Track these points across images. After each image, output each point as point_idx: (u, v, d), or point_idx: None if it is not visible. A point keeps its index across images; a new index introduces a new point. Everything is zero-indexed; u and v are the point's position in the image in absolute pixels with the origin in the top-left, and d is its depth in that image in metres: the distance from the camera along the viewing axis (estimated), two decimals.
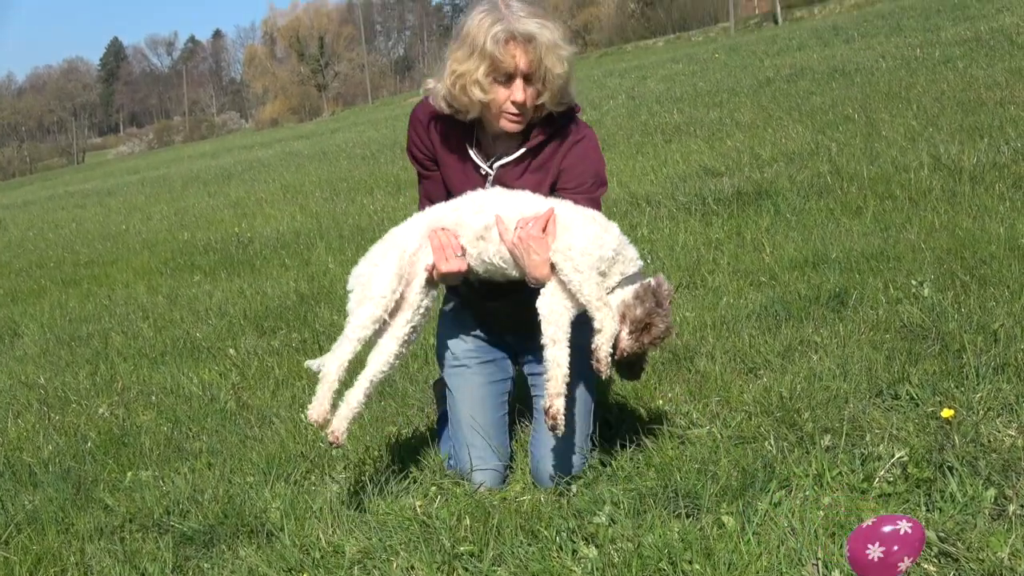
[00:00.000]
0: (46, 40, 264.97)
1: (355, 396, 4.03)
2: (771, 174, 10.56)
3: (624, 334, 3.82)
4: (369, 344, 4.06)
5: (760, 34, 47.13)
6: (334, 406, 4.00)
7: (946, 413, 4.09)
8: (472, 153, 4.20)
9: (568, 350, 3.79)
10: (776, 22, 61.45)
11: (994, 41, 17.89)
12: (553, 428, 3.77)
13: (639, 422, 4.77)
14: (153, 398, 6.73)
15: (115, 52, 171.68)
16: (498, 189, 4.08)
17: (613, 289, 3.87)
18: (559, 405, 3.74)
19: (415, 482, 4.56)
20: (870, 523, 3.05)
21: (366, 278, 4.01)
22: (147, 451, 5.61)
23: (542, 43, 3.90)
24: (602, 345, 3.76)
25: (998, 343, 4.89)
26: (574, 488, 4.21)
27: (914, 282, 6.09)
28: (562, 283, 3.81)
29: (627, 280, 3.88)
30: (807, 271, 6.95)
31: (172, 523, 4.48)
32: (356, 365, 4.04)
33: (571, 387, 4.30)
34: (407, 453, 4.87)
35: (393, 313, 4.03)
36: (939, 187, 8.51)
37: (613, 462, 4.35)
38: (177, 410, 6.36)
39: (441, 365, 4.60)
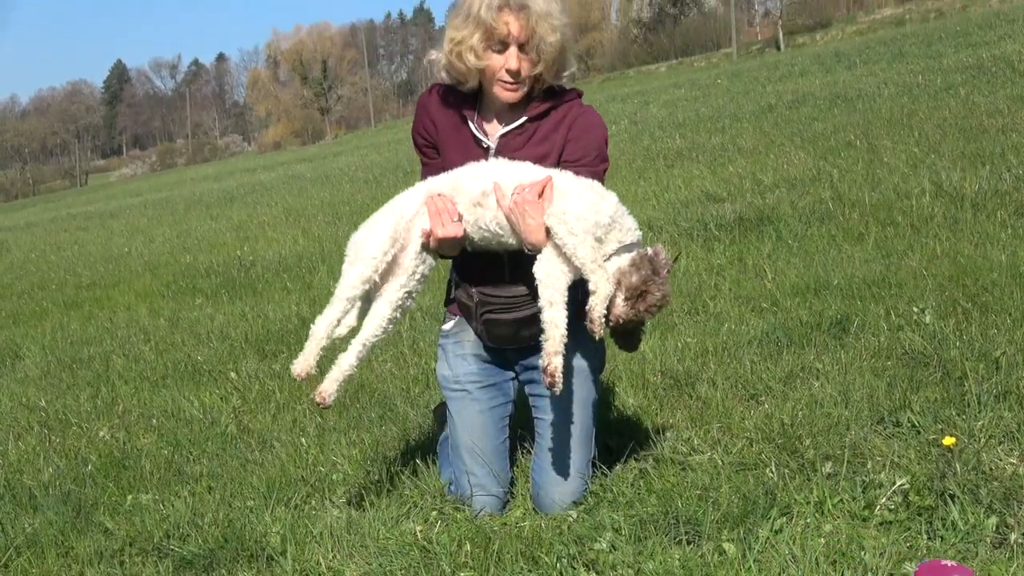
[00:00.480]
0: (50, 62, 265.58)
1: (347, 359, 4.06)
2: (773, 200, 10.57)
3: (619, 300, 3.79)
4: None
5: (762, 60, 47.28)
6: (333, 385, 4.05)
7: (948, 441, 4.08)
8: (472, 127, 4.22)
9: (566, 312, 3.76)
10: (778, 48, 61.76)
11: (996, 68, 17.92)
12: (551, 386, 3.74)
13: (640, 448, 4.77)
14: (154, 421, 6.72)
15: (119, 74, 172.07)
16: (499, 160, 4.09)
17: (610, 257, 3.83)
18: (556, 363, 3.71)
19: (415, 507, 4.56)
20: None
21: (360, 241, 4.04)
22: (147, 474, 5.60)
23: (535, 11, 3.96)
24: (596, 306, 3.73)
25: (1000, 371, 4.89)
26: (575, 514, 4.21)
27: (916, 309, 6.08)
28: (558, 248, 3.80)
29: (624, 249, 3.85)
30: (809, 297, 6.95)
31: (172, 547, 4.47)
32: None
33: (571, 412, 4.32)
34: (408, 478, 4.86)
35: (388, 278, 4.06)
36: (941, 214, 8.51)
37: (614, 488, 4.34)
38: (178, 433, 6.35)
39: (442, 388, 4.60)
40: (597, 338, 3.83)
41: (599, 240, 3.81)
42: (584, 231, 3.75)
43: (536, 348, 4.03)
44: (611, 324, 3.86)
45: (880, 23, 62.47)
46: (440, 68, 4.21)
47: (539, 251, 3.84)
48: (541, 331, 3.79)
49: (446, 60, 4.14)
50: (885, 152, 11.99)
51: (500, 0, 3.95)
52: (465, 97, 4.25)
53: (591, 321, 3.74)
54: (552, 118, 4.19)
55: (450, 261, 4.37)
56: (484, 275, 4.23)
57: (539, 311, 3.81)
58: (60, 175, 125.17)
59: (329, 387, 4.01)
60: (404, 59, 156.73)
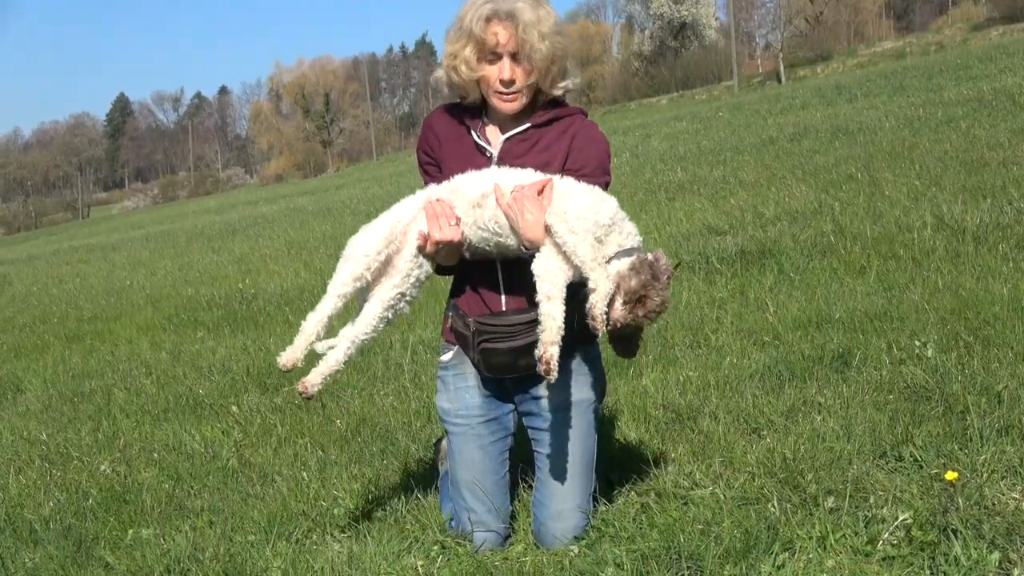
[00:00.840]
0: (53, 95, 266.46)
1: (335, 355, 4.08)
2: (774, 233, 10.58)
3: (618, 304, 3.76)
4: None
5: (763, 93, 47.37)
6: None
7: (950, 475, 4.08)
8: (475, 135, 4.25)
9: (563, 307, 3.73)
10: (779, 81, 61.89)
11: (997, 101, 17.98)
12: (547, 373, 3.70)
13: (642, 482, 4.76)
14: (155, 455, 6.71)
15: (121, 107, 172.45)
16: (502, 168, 4.11)
17: (610, 260, 3.80)
18: (552, 351, 3.67)
19: (417, 541, 4.54)
20: None
21: (356, 241, 4.07)
22: (148, 508, 5.59)
23: (523, 20, 3.99)
24: (597, 303, 3.70)
25: (1002, 405, 4.88)
26: (576, 549, 4.19)
27: (918, 343, 6.08)
28: (557, 247, 3.78)
29: (624, 253, 3.83)
30: (810, 331, 6.95)
31: None
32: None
33: (572, 446, 4.30)
34: (409, 512, 4.85)
35: (383, 278, 4.07)
36: (942, 247, 8.52)
37: (616, 522, 4.33)
38: (179, 467, 6.34)
39: (443, 421, 4.59)
40: (598, 335, 3.82)
41: (599, 241, 3.79)
42: (584, 230, 3.74)
43: (535, 378, 4.03)
44: (608, 328, 3.83)
45: (881, 56, 62.65)
46: (443, 84, 4.28)
47: (536, 250, 3.82)
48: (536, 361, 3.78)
49: (445, 75, 4.23)
50: (886, 185, 12.02)
51: (489, 11, 4.01)
52: (469, 110, 4.29)
53: (593, 318, 3.71)
54: (556, 128, 4.22)
55: (447, 290, 4.38)
56: (479, 294, 4.24)
57: (536, 326, 3.79)
58: (62, 208, 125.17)
59: (314, 379, 4.05)
60: (406, 92, 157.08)
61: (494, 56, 4.06)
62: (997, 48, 33.79)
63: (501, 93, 4.11)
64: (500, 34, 4.02)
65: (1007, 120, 15.74)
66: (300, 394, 4.08)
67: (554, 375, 3.71)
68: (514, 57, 4.05)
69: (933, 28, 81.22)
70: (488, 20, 4.01)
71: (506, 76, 4.07)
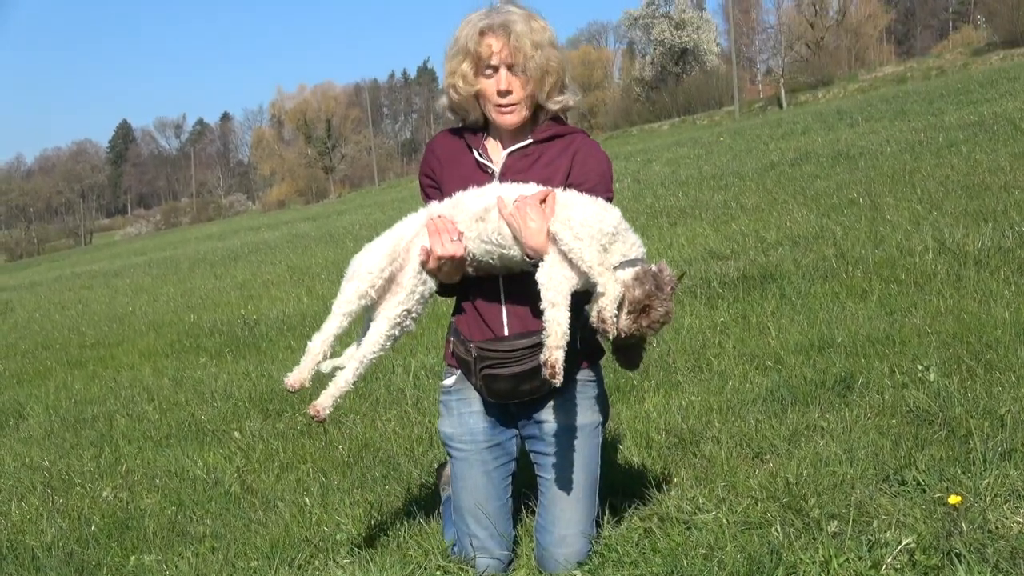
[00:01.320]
0: (55, 122, 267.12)
1: (344, 376, 4.07)
2: (776, 258, 10.59)
3: (622, 314, 3.75)
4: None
5: (765, 118, 47.45)
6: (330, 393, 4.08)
7: (953, 499, 4.07)
8: (476, 153, 4.26)
9: (568, 313, 3.70)
10: (781, 106, 61.97)
11: (998, 126, 18.00)
12: (552, 377, 3.68)
13: (645, 506, 4.75)
14: (157, 481, 6.71)
15: (124, 134, 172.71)
16: (504, 183, 4.12)
17: (614, 270, 3.79)
18: (557, 356, 3.66)
19: (419, 567, 4.53)
20: None
21: (359, 259, 4.07)
22: (151, 535, 5.59)
23: (515, 30, 4.06)
24: (607, 306, 3.68)
25: (1005, 428, 4.88)
26: (579, 574, 4.19)
27: (920, 367, 6.08)
28: (562, 255, 3.77)
29: (628, 263, 3.81)
30: (813, 355, 6.95)
31: None
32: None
33: (575, 471, 4.30)
34: (412, 537, 4.85)
35: (388, 296, 4.07)
36: (944, 271, 8.53)
37: (619, 547, 4.32)
38: (181, 493, 6.33)
39: (445, 446, 4.58)
40: (610, 337, 3.80)
41: (603, 249, 3.79)
42: (590, 236, 3.73)
43: (539, 402, 4.04)
44: (611, 339, 3.83)
45: (882, 80, 62.76)
46: (445, 108, 4.33)
47: (540, 258, 3.82)
48: (543, 382, 3.78)
49: (447, 97, 4.29)
50: (888, 209, 12.03)
51: (483, 25, 4.09)
52: (471, 129, 4.32)
53: (603, 321, 3.69)
54: (557, 144, 4.25)
55: (448, 314, 4.38)
56: (481, 315, 4.23)
57: (539, 351, 3.78)
58: (65, 234, 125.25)
59: (325, 401, 4.03)
60: (408, 118, 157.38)
61: (491, 69, 4.11)
62: (998, 73, 33.87)
63: (500, 106, 4.15)
64: (494, 45, 4.08)
65: (1008, 144, 15.76)
66: (312, 418, 4.06)
67: (559, 380, 3.69)
68: (510, 68, 4.10)
69: (934, 53, 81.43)
70: (482, 33, 4.08)
71: (503, 86, 4.11)
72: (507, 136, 4.26)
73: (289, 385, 4.03)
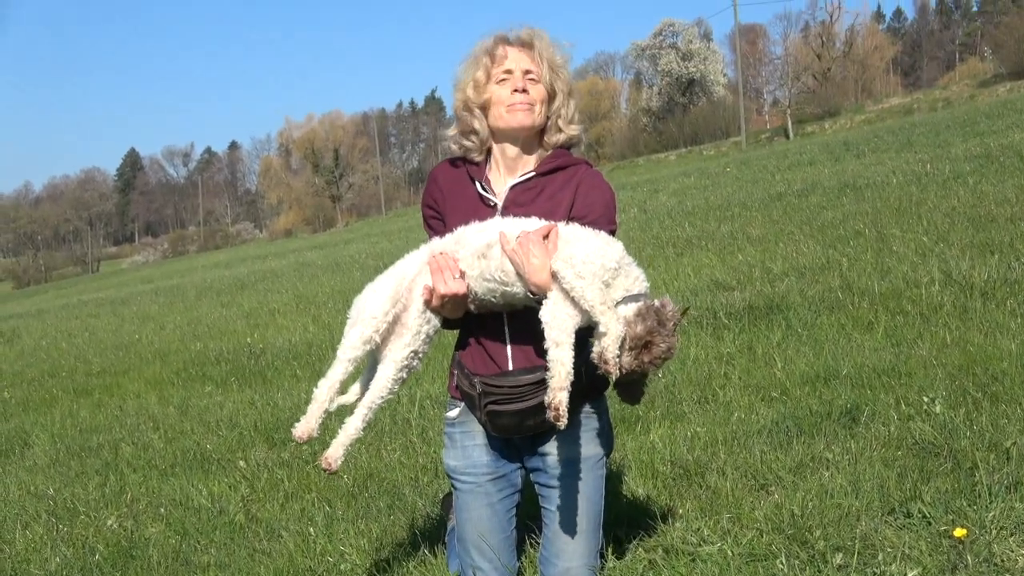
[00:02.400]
0: (64, 150, 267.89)
1: (353, 423, 4.02)
2: (782, 288, 10.59)
3: (623, 351, 3.71)
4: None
5: (771, 148, 47.58)
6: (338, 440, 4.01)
7: (959, 532, 4.06)
8: (479, 186, 4.25)
9: (572, 352, 3.67)
10: (787, 136, 62.20)
11: (1004, 157, 18.01)
12: (556, 420, 3.64)
13: (649, 538, 4.75)
14: (162, 510, 6.71)
15: (132, 162, 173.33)
16: (505, 218, 4.10)
17: (616, 305, 3.76)
18: (561, 397, 3.62)
19: None
20: None
21: (362, 302, 4.03)
22: (155, 564, 5.59)
23: (537, 45, 4.16)
24: (609, 346, 3.64)
25: (1010, 461, 4.87)
26: None
27: (926, 398, 6.07)
28: (564, 293, 3.74)
29: (631, 298, 3.78)
30: (818, 386, 6.94)
31: None
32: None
33: (579, 503, 4.28)
34: (416, 568, 4.84)
35: (392, 339, 4.03)
36: (950, 303, 8.52)
37: None
38: (186, 522, 6.33)
39: (450, 478, 4.57)
40: (613, 379, 3.77)
41: (606, 284, 3.77)
42: (592, 274, 3.70)
43: (543, 435, 4.03)
44: (613, 378, 3.82)
45: (888, 112, 62.99)
46: (452, 141, 4.32)
47: (543, 296, 3.82)
48: (545, 419, 3.77)
49: (456, 119, 4.29)
50: (894, 241, 12.03)
51: (501, 35, 4.17)
52: (474, 161, 4.31)
53: (605, 362, 3.65)
54: (560, 177, 4.23)
55: (453, 343, 4.38)
56: (485, 348, 4.23)
57: (543, 387, 3.77)
58: (72, 262, 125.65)
59: (336, 452, 3.98)
60: (415, 147, 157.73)
61: (506, 74, 4.13)
62: (1004, 104, 33.92)
63: (515, 104, 4.14)
64: (511, 53, 4.14)
65: (1015, 176, 15.76)
66: (324, 470, 4.02)
67: (563, 422, 3.68)
68: (526, 74, 4.13)
69: (940, 84, 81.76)
70: (500, 42, 4.15)
71: (519, 85, 4.12)
72: (509, 166, 4.26)
73: (298, 436, 3.97)
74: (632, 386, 3.91)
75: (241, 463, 7.58)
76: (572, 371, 3.66)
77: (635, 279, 3.86)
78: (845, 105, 74.00)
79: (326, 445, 4.00)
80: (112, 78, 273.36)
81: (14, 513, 7.10)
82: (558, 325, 3.70)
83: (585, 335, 3.78)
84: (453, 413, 4.46)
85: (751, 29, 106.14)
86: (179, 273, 54.49)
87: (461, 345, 4.36)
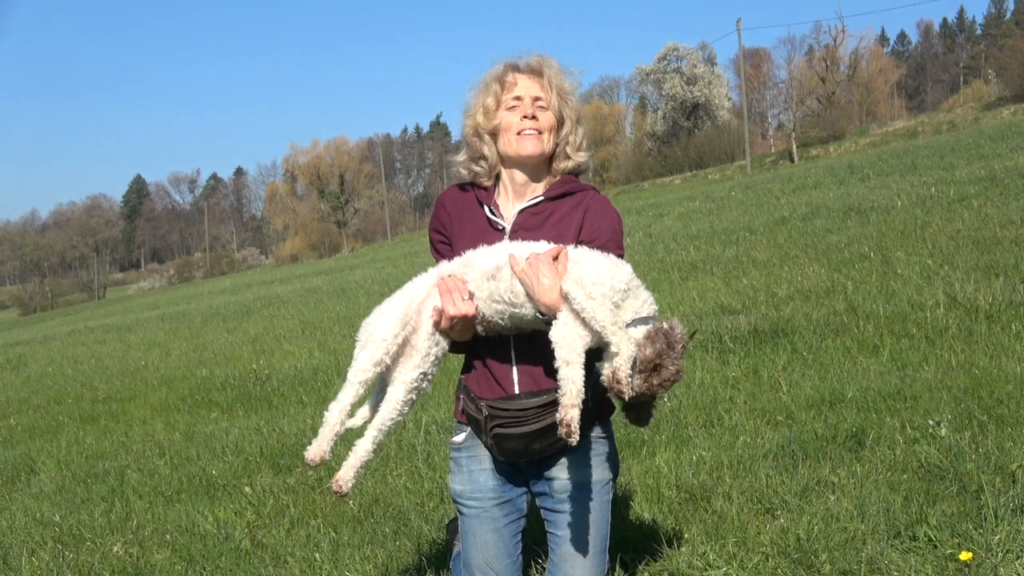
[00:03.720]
0: (70, 177, 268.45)
1: (364, 445, 4.00)
2: (787, 312, 10.60)
3: (633, 373, 3.70)
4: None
5: (776, 172, 47.60)
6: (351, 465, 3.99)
7: (964, 556, 4.06)
8: (488, 210, 4.26)
9: (582, 371, 3.66)
10: (792, 160, 62.23)
11: (1009, 180, 18.02)
12: (567, 436, 3.62)
13: (655, 562, 4.74)
14: (168, 536, 6.71)
15: (138, 189, 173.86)
16: (514, 241, 4.11)
17: (626, 327, 3.76)
18: (573, 414, 3.60)
19: None
20: None
21: (371, 325, 4.03)
22: None
23: (547, 73, 4.18)
24: (621, 366, 3.63)
25: (1016, 484, 4.87)
26: None
27: (931, 422, 6.07)
28: (575, 313, 3.73)
29: (640, 321, 3.78)
30: (824, 410, 6.94)
31: None
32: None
33: (585, 527, 4.28)
34: None
35: (402, 361, 4.03)
36: (955, 326, 8.53)
37: None
38: (192, 549, 6.33)
39: (456, 503, 4.57)
40: (627, 398, 3.76)
41: (616, 306, 3.77)
42: (602, 295, 3.70)
43: (550, 459, 4.03)
44: (626, 398, 3.81)
45: (893, 135, 62.99)
46: (460, 166, 4.34)
47: (552, 316, 3.82)
48: (554, 441, 3.77)
49: (465, 144, 4.32)
50: (899, 264, 12.04)
51: (511, 62, 4.21)
52: (482, 186, 4.33)
53: (618, 381, 3.64)
54: (568, 202, 4.24)
55: (459, 368, 4.38)
56: (491, 371, 4.23)
57: (549, 410, 3.78)
58: (78, 288, 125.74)
59: (346, 474, 3.96)
60: (421, 172, 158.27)
61: (516, 101, 4.16)
62: (1009, 127, 33.97)
63: (524, 131, 4.16)
64: (521, 80, 4.17)
65: (1019, 199, 15.77)
66: (335, 493, 4.02)
67: (575, 439, 3.67)
68: (536, 101, 4.16)
69: (944, 107, 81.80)
70: (510, 69, 4.18)
71: (529, 112, 4.14)
72: (517, 191, 4.27)
73: (310, 460, 3.96)
74: (640, 408, 3.91)
75: (247, 489, 7.58)
76: (583, 389, 3.65)
77: (644, 301, 3.86)
78: (849, 128, 73.96)
79: (333, 470, 4.00)
80: (119, 105, 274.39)
81: (20, 540, 7.10)
82: (568, 345, 3.70)
83: (591, 359, 3.79)
84: (459, 438, 4.46)
85: (755, 53, 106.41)
86: (185, 299, 54.54)
87: (467, 369, 4.36)
